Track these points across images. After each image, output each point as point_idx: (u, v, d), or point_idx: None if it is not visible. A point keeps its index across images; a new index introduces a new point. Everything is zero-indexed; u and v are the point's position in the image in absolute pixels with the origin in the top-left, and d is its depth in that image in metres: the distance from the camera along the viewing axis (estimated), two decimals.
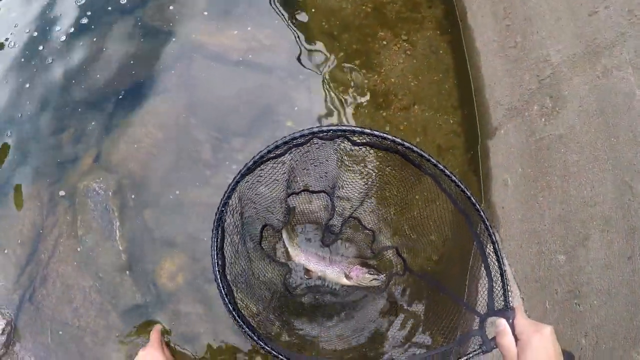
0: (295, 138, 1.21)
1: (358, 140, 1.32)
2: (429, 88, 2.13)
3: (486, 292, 1.26)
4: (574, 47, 1.50)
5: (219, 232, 1.27)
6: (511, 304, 1.18)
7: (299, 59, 2.16)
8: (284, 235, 1.79)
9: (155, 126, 2.05)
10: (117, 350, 1.80)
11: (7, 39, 2.29)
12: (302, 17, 2.24)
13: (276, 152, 1.25)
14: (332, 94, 2.09)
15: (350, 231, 1.89)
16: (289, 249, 1.78)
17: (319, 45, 2.18)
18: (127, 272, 1.87)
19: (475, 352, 1.17)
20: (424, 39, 2.21)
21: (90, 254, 1.90)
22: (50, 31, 2.28)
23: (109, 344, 1.81)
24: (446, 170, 1.24)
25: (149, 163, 2.00)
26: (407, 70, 2.15)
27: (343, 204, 1.76)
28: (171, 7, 2.26)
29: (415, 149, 1.27)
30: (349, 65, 2.14)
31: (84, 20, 2.27)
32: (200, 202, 1.95)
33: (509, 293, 1.20)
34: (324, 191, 1.73)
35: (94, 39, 2.23)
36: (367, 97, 2.09)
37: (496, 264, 1.25)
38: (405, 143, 1.26)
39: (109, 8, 2.28)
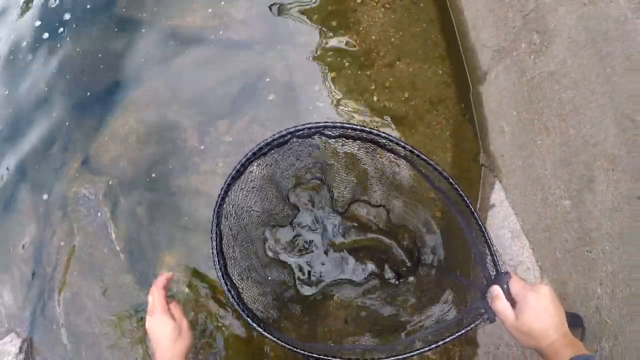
0: (275, 139, 1.22)
1: (332, 134, 1.27)
2: (413, 40, 1.96)
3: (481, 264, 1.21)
4: None
5: (217, 234, 1.27)
6: (502, 270, 1.15)
7: (273, 30, 2.01)
8: None
9: (138, 120, 1.95)
10: (133, 351, 1.76)
11: None
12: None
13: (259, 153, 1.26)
14: (312, 61, 1.94)
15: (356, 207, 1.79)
16: None
17: (293, 12, 2.02)
18: (128, 272, 1.81)
19: (478, 323, 1.13)
20: None
21: (91, 259, 1.84)
22: (23, 37, 2.17)
23: (123, 346, 1.76)
24: (415, 150, 1.19)
25: (136, 159, 1.92)
26: (387, 25, 1.98)
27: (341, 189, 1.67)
28: None
29: (382, 134, 1.21)
30: (325, 28, 1.98)
31: (56, 23, 2.16)
32: (193, 190, 1.86)
33: (498, 260, 1.15)
34: (316, 178, 1.63)
35: (67, 40, 2.12)
36: (349, 58, 1.94)
37: (481, 235, 1.19)
38: (373, 131, 1.21)
39: (81, 7, 2.16)
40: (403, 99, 1.87)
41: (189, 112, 1.95)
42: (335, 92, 1.89)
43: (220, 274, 1.22)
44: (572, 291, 1.38)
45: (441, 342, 1.15)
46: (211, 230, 1.23)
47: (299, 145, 1.34)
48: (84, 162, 1.96)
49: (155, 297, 1.28)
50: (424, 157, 1.18)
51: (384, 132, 1.20)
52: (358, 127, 1.20)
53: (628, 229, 1.18)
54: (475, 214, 1.17)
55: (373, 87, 1.89)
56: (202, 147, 1.88)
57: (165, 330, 1.23)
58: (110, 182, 1.88)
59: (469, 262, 1.41)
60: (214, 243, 1.24)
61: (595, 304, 1.30)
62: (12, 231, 1.93)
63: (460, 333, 1.14)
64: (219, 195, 1.24)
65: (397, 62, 1.93)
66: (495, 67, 1.67)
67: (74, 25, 2.17)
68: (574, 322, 1.24)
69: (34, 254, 1.89)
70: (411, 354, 1.19)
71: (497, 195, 1.69)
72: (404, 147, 1.20)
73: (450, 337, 1.14)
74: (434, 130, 1.87)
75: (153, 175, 1.89)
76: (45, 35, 2.17)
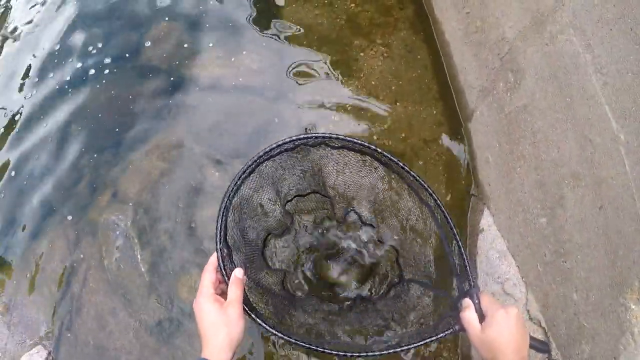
0: (285, 143, 1.35)
1: (335, 145, 1.43)
2: (409, 85, 2.16)
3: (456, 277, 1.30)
4: (523, 21, 1.52)
5: (222, 228, 1.28)
6: (473, 284, 1.21)
7: (284, 77, 2.23)
8: None
9: (160, 158, 2.15)
10: None
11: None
12: (283, 38, 2.32)
13: (270, 154, 1.39)
14: (318, 106, 2.14)
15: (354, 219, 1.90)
16: None
17: (301, 61, 2.25)
18: (151, 292, 1.94)
19: (447, 332, 1.20)
20: (398, 40, 2.25)
21: (117, 279, 1.98)
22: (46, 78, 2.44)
23: None
24: (405, 167, 1.34)
25: (160, 192, 2.09)
26: (385, 72, 2.19)
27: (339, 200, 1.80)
28: (163, 47, 2.38)
29: (379, 150, 1.36)
30: (331, 75, 2.20)
31: (78, 66, 2.42)
32: (211, 221, 2.01)
33: (471, 274, 1.22)
34: (315, 191, 1.77)
35: (95, 84, 2.37)
36: (351, 102, 2.14)
37: (457, 249, 1.28)
38: (370, 145, 1.36)
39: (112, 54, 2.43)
40: (400, 138, 2.05)
41: (208, 152, 2.14)
42: (339, 133, 2.07)
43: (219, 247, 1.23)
44: (553, 300, 1.48)
45: (412, 346, 1.24)
46: (217, 218, 1.27)
47: (305, 155, 1.47)
48: (114, 195, 2.14)
49: (202, 279, 1.15)
50: (407, 169, 1.34)
51: (380, 148, 1.35)
52: (358, 141, 1.35)
53: (594, 236, 1.30)
54: (453, 229, 1.29)
55: (373, 129, 2.07)
56: (220, 183, 2.06)
57: (208, 318, 1.09)
58: (138, 211, 2.06)
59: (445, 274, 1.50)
60: (219, 221, 1.27)
61: (573, 310, 1.39)
62: (43, 255, 2.09)
63: (430, 339, 1.21)
64: (231, 186, 1.33)
65: (396, 104, 2.12)
66: (480, 105, 1.85)
67: (105, 72, 2.42)
68: (541, 348, 1.30)
69: (64, 275, 2.04)
70: (380, 353, 1.28)
71: (486, 221, 1.82)
72: (397, 163, 1.34)
73: (420, 343, 1.22)
74: (428, 166, 2.03)
75: (178, 207, 2.06)
76: (67, 77, 2.43)
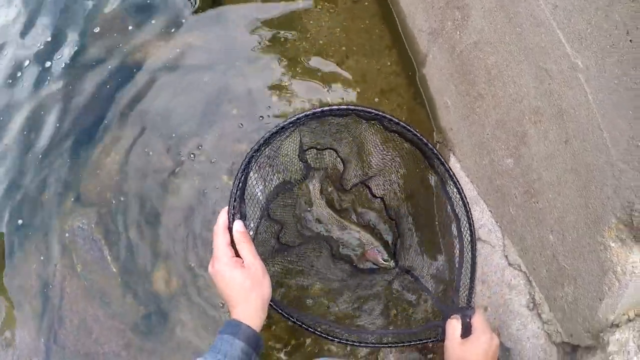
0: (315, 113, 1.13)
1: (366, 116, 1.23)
2: (358, 38, 1.96)
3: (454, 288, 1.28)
4: None
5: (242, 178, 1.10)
6: (473, 304, 1.21)
7: (230, 49, 2.02)
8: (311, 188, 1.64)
9: (117, 152, 1.97)
10: None
11: None
12: (223, 10, 2.09)
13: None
14: (268, 72, 1.94)
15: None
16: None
17: (244, 31, 2.03)
18: (127, 291, 1.81)
19: (431, 340, 1.20)
20: None
21: (93, 285, 1.84)
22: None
23: None
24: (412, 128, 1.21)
25: (120, 187, 1.92)
26: (333, 28, 1.98)
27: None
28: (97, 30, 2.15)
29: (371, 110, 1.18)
30: (277, 39, 1.99)
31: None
32: (174, 208, 1.87)
33: (473, 294, 1.21)
34: (331, 148, 1.54)
35: (41, 83, 2.15)
36: (300, 64, 1.94)
37: (470, 262, 1.26)
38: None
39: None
40: (357, 92, 1.86)
41: (162, 138, 1.96)
42: (291, 96, 1.89)
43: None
44: (530, 243, 1.34)
45: (394, 345, 1.26)
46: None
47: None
48: (76, 199, 1.96)
49: (216, 244, 1.02)
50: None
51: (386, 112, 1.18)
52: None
53: (563, 173, 1.15)
54: (473, 243, 1.25)
55: (326, 88, 1.88)
56: (177, 169, 1.88)
57: (234, 284, 0.97)
58: (100, 211, 1.90)
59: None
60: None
61: (551, 252, 1.26)
62: (19, 272, 1.94)
63: (412, 343, 1.21)
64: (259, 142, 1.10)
65: (347, 59, 1.92)
66: (432, 48, 1.66)
67: (51, 68, 2.18)
68: None
69: (41, 289, 1.89)
70: (365, 345, 1.21)
71: (453, 167, 1.66)
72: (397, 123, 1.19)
73: (403, 344, 1.22)
74: None
75: (138, 200, 1.89)
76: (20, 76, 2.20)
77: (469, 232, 1.27)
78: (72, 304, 1.87)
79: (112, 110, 2.04)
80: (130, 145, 1.96)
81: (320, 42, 1.95)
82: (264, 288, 1.01)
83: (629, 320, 1.11)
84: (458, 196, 1.27)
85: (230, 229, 1.04)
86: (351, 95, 1.87)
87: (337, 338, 1.20)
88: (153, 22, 2.13)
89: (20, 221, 1.99)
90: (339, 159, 1.53)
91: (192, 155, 1.89)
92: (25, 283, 1.93)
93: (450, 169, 1.26)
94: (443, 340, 1.16)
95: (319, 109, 1.12)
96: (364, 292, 1.62)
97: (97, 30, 2.17)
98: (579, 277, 1.17)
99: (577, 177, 1.10)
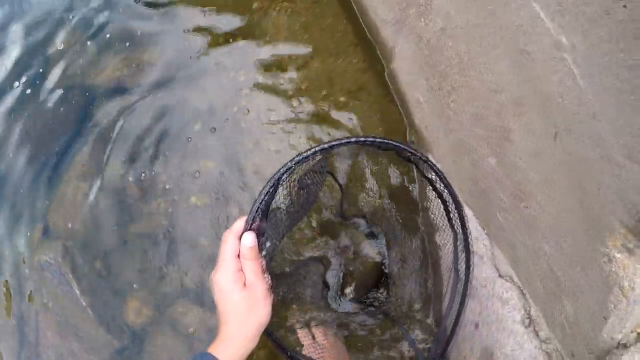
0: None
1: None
2: (322, 37, 1.74)
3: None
4: None
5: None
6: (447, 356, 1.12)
7: (188, 63, 1.81)
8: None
9: (82, 180, 1.77)
10: None
11: None
12: (170, 16, 1.87)
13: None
14: (225, 81, 1.72)
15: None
16: None
17: (197, 39, 1.81)
18: (100, 324, 1.63)
19: None
20: None
21: (65, 319, 1.66)
22: None
23: None
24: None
25: (85, 217, 1.73)
26: (294, 28, 1.76)
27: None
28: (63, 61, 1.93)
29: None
30: (231, 45, 1.77)
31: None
32: (141, 234, 1.67)
33: (450, 348, 1.12)
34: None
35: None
36: (261, 70, 1.72)
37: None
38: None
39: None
40: (322, 96, 1.65)
41: (125, 164, 1.76)
42: (254, 108, 1.67)
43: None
44: (522, 253, 1.13)
45: None
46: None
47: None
48: (45, 231, 1.77)
49: (222, 251, 0.86)
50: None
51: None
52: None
53: (553, 172, 0.93)
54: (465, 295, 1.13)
55: (291, 93, 1.66)
56: (141, 194, 1.68)
57: (230, 300, 0.83)
58: (66, 244, 1.70)
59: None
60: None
61: (546, 263, 1.04)
62: None
63: None
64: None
65: (312, 61, 1.70)
66: (397, 40, 1.44)
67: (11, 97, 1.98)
68: None
69: (17, 326, 1.70)
70: None
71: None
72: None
73: None
74: (362, 120, 1.64)
75: (104, 229, 1.70)
76: None
77: (462, 288, 1.14)
78: (47, 340, 1.69)
79: (74, 137, 1.83)
80: (95, 172, 1.75)
81: (281, 44, 1.74)
82: (262, 313, 0.85)
83: (639, 338, 0.91)
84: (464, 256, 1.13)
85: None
86: (318, 99, 1.66)
87: None
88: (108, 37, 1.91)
89: None
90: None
91: (157, 178, 1.68)
92: (0, 320, 1.75)
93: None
94: None
95: (362, 138, 0.99)
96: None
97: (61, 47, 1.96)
98: (579, 292, 0.95)
99: (571, 177, 0.89)
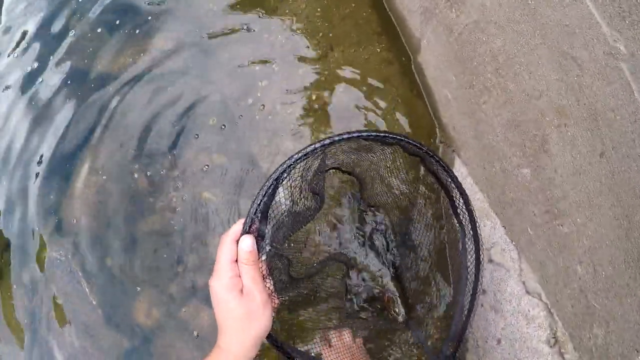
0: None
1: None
2: (343, 25, 1.61)
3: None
4: None
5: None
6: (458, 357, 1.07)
7: (204, 48, 1.70)
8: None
9: (91, 174, 1.70)
10: None
11: None
12: (194, 6, 1.76)
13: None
14: (244, 73, 1.62)
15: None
16: None
17: (217, 27, 1.70)
18: (109, 323, 1.57)
19: None
20: None
21: (75, 316, 1.61)
22: None
23: None
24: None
25: (97, 212, 1.66)
26: (312, 16, 1.63)
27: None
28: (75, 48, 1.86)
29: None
30: (247, 35, 1.66)
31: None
32: (151, 231, 1.60)
33: (460, 346, 1.03)
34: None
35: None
36: (278, 61, 1.61)
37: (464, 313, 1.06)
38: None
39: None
40: (343, 88, 1.53)
41: (136, 157, 1.68)
42: (269, 101, 1.57)
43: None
44: (553, 272, 1.02)
45: None
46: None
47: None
48: (56, 227, 1.72)
49: (219, 256, 0.80)
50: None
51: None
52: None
53: (596, 195, 0.81)
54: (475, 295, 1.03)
55: (309, 84, 1.55)
56: (152, 189, 1.61)
57: (227, 308, 0.77)
58: (76, 241, 1.64)
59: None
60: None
61: (578, 286, 0.94)
62: (7, 306, 1.72)
63: None
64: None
65: (331, 52, 1.58)
66: (425, 31, 1.30)
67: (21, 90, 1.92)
68: None
69: (30, 323, 1.67)
70: None
71: (459, 172, 1.32)
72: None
73: None
74: (386, 115, 1.52)
75: (114, 225, 1.64)
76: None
77: (472, 285, 1.04)
78: (59, 337, 1.64)
79: (84, 131, 1.77)
80: (106, 167, 1.69)
81: (299, 32, 1.61)
82: (260, 323, 0.78)
83: None
84: (473, 248, 1.02)
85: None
86: (340, 90, 1.54)
87: None
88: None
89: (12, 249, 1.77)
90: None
91: (169, 173, 1.61)
92: (12, 317, 1.73)
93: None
94: None
95: (373, 132, 0.92)
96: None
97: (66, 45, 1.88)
98: (612, 321, 0.85)
99: (616, 202, 0.77)
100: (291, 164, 0.85)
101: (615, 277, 0.82)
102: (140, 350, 1.56)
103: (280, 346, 0.90)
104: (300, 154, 0.86)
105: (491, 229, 1.20)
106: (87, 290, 1.61)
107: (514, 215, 1.11)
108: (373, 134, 0.90)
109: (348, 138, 0.88)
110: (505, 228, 1.17)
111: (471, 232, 1.02)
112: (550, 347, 1.07)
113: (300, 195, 1.03)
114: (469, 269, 1.07)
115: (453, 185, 0.99)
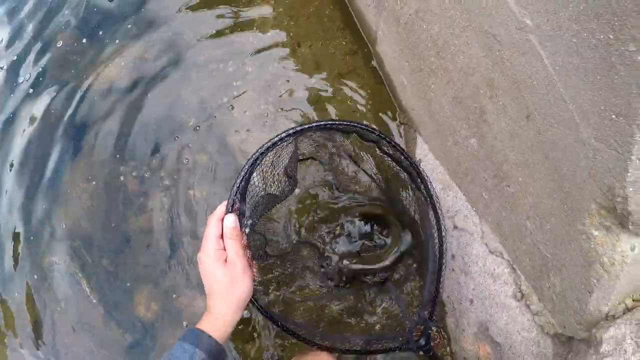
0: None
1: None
2: (308, 23, 1.69)
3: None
4: None
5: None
6: (435, 318, 1.13)
7: (179, 55, 1.78)
8: None
9: (84, 181, 1.77)
10: None
11: None
12: (164, 16, 1.84)
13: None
14: (215, 73, 1.70)
15: None
16: None
17: (186, 34, 1.78)
18: (110, 320, 1.65)
19: (395, 348, 1.10)
20: None
21: (78, 318, 1.68)
22: None
23: None
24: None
25: (90, 217, 1.74)
26: (280, 16, 1.71)
27: None
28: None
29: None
30: (220, 37, 1.74)
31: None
32: (143, 230, 1.68)
33: (436, 308, 1.13)
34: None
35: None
36: (250, 60, 1.69)
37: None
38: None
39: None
40: (312, 81, 1.61)
41: (123, 161, 1.76)
42: (244, 98, 1.65)
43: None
44: (509, 230, 1.10)
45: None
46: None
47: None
48: (51, 233, 1.79)
49: (206, 233, 0.93)
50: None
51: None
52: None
53: (529, 154, 0.90)
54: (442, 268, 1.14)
55: (280, 80, 1.63)
56: (142, 190, 1.69)
57: (214, 277, 0.90)
58: (73, 245, 1.72)
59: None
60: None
61: (531, 240, 1.02)
62: (11, 314, 1.79)
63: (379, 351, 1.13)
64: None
65: (299, 48, 1.66)
66: (379, 23, 1.39)
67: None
68: None
69: (34, 328, 1.74)
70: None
71: (421, 149, 1.41)
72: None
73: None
74: (351, 102, 1.60)
75: (109, 226, 1.71)
76: None
77: (438, 248, 1.16)
78: (64, 339, 1.71)
79: (74, 138, 1.84)
80: (96, 172, 1.76)
81: (269, 33, 1.69)
82: (242, 288, 0.91)
83: (627, 309, 0.88)
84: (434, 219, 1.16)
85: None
86: (310, 82, 1.62)
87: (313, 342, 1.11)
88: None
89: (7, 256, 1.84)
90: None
91: (156, 174, 1.69)
92: (17, 323, 1.79)
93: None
94: (409, 349, 1.08)
95: (339, 121, 1.08)
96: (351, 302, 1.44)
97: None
98: (563, 268, 0.93)
99: (545, 158, 0.85)
100: (263, 152, 0.99)
101: (558, 227, 0.90)
102: (143, 343, 1.63)
103: (265, 312, 1.04)
104: (269, 143, 1.00)
105: (453, 198, 1.28)
106: (87, 290, 1.68)
107: (470, 183, 1.19)
108: (330, 122, 1.03)
109: (309, 128, 1.02)
110: (465, 196, 1.26)
111: (429, 201, 1.11)
112: (517, 300, 1.15)
113: (273, 179, 1.14)
114: (434, 238, 1.16)
115: (408, 162, 1.08)
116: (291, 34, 1.68)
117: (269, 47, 1.68)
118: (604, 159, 0.70)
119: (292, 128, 1.01)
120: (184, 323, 1.57)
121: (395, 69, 1.41)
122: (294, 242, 1.45)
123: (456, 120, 1.13)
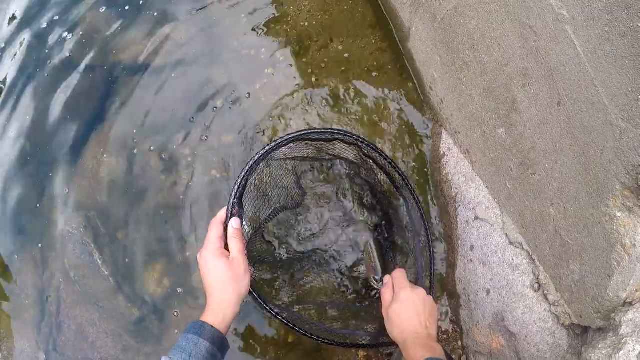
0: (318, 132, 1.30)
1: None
2: (341, 18, 1.83)
3: None
4: None
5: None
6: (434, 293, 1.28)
7: (213, 42, 1.91)
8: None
9: (103, 151, 1.87)
10: None
11: None
12: (204, 4, 1.97)
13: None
14: (249, 60, 1.83)
15: None
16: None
17: (226, 22, 1.91)
18: (119, 294, 1.72)
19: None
20: None
21: (86, 289, 1.76)
22: None
23: None
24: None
25: (109, 189, 1.83)
26: (314, 10, 1.85)
27: None
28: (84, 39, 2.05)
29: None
30: (256, 26, 1.87)
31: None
32: (163, 205, 1.77)
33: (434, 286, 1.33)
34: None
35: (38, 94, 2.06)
36: (285, 50, 1.82)
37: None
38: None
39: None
40: (340, 74, 1.74)
41: (149, 139, 1.86)
42: (275, 85, 1.77)
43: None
44: (530, 219, 1.21)
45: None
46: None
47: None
48: (65, 203, 1.88)
49: (208, 234, 1.07)
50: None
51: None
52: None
53: (558, 139, 1.01)
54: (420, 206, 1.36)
55: (309, 71, 1.76)
56: (163, 166, 1.79)
57: (215, 272, 1.01)
58: (88, 215, 1.81)
59: None
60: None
61: (553, 227, 1.12)
62: (16, 284, 1.87)
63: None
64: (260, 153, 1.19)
65: (331, 42, 1.79)
66: (414, 20, 1.52)
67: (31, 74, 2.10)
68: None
69: (39, 298, 1.82)
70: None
71: (445, 143, 1.53)
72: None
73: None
74: (377, 97, 1.72)
75: (126, 200, 1.80)
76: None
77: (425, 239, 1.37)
78: (69, 310, 1.79)
79: (97, 112, 1.94)
80: (118, 148, 1.86)
81: (302, 25, 1.83)
82: (242, 284, 1.03)
83: None
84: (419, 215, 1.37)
85: (225, 224, 1.09)
86: (337, 77, 1.75)
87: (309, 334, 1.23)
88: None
89: (15, 229, 1.92)
90: None
91: (180, 151, 1.79)
92: (23, 292, 1.86)
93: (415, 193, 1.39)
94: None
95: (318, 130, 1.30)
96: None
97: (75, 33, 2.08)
98: (584, 253, 1.03)
99: (574, 142, 0.96)
100: (257, 159, 1.18)
101: (582, 210, 1.00)
102: (151, 319, 1.70)
103: (261, 299, 1.19)
104: (260, 153, 1.18)
105: (476, 189, 1.39)
106: (99, 262, 1.76)
107: (494, 174, 1.30)
108: (316, 131, 1.26)
109: (294, 139, 1.22)
110: (488, 188, 1.37)
111: (412, 196, 1.33)
112: (535, 291, 1.24)
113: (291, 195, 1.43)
114: (416, 227, 1.31)
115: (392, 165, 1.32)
116: (325, 29, 1.81)
117: (302, 40, 1.81)
118: (629, 138, 0.81)
119: (277, 139, 1.19)
120: (200, 300, 1.65)
121: (426, 64, 1.53)
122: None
123: (485, 111, 1.24)
